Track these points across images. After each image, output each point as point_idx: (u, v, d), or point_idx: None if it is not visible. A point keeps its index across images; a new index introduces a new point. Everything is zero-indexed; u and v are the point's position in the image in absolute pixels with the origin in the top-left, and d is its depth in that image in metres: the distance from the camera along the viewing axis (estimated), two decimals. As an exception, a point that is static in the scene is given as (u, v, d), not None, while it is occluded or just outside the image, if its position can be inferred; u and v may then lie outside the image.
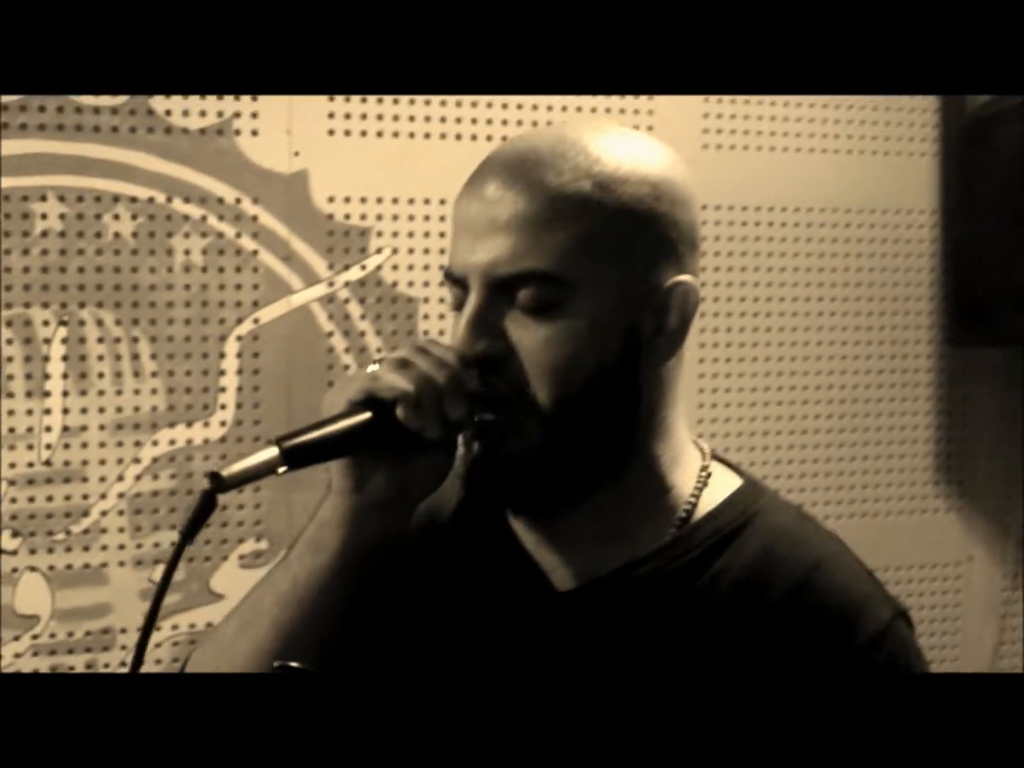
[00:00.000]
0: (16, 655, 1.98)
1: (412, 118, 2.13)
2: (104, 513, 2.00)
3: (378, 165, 2.11)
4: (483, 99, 2.15)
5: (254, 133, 2.05)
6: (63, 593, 1.99)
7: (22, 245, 1.94)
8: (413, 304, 2.15)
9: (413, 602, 1.13)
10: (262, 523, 2.07)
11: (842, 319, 2.43)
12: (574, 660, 1.05)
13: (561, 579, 1.08)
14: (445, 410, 1.01)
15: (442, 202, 2.12)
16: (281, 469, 0.98)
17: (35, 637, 1.99)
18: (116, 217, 1.98)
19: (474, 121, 2.16)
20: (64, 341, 1.97)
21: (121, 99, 1.97)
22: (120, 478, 2.01)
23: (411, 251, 2.13)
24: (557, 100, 2.20)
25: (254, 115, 2.04)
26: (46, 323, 1.96)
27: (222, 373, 2.05)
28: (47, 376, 1.97)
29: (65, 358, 1.97)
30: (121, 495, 2.01)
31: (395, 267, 2.13)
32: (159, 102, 1.99)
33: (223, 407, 2.05)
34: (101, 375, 1.99)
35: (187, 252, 2.02)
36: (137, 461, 2.01)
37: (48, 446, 1.97)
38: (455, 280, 1.06)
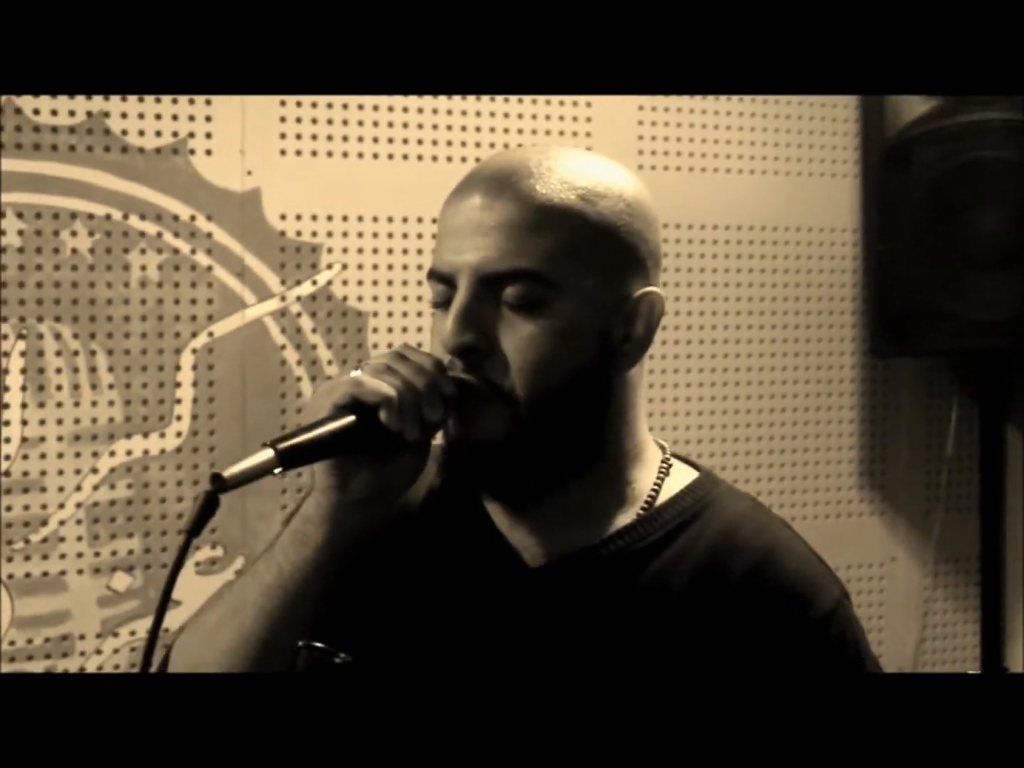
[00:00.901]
0: (-25, 662, 2.01)
1: (361, 139, 2.20)
2: (63, 522, 2.05)
3: (329, 184, 2.18)
4: (431, 120, 2.24)
5: (208, 152, 2.11)
6: (22, 601, 2.03)
7: (-18, 261, 1.98)
8: (363, 318, 2.22)
9: (391, 578, 1.20)
10: (217, 531, 2.13)
11: (770, 332, 2.54)
12: (544, 632, 1.14)
13: (532, 557, 1.17)
14: (424, 413, 1.09)
15: (390, 220, 2.18)
16: (276, 470, 1.05)
17: (-6, 644, 2.02)
18: (74, 234, 2.04)
19: (420, 142, 2.23)
20: (23, 354, 2.02)
21: (79, 118, 2.03)
22: (78, 488, 2.05)
23: (360, 267, 2.20)
24: (501, 123, 2.29)
25: (208, 135, 2.11)
26: (5, 337, 2.00)
27: (178, 385, 2.11)
28: (6, 388, 2.01)
29: (24, 371, 2.02)
30: (79, 504, 2.05)
31: (345, 282, 2.20)
32: (116, 121, 2.05)
33: (179, 418, 2.11)
34: (59, 387, 2.04)
35: (143, 268, 2.07)
36: (95, 471, 2.06)
37: (7, 457, 2.01)
38: (441, 278, 1.13)
